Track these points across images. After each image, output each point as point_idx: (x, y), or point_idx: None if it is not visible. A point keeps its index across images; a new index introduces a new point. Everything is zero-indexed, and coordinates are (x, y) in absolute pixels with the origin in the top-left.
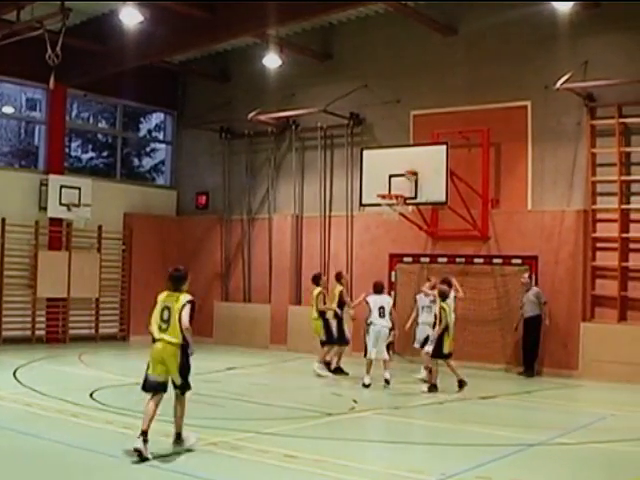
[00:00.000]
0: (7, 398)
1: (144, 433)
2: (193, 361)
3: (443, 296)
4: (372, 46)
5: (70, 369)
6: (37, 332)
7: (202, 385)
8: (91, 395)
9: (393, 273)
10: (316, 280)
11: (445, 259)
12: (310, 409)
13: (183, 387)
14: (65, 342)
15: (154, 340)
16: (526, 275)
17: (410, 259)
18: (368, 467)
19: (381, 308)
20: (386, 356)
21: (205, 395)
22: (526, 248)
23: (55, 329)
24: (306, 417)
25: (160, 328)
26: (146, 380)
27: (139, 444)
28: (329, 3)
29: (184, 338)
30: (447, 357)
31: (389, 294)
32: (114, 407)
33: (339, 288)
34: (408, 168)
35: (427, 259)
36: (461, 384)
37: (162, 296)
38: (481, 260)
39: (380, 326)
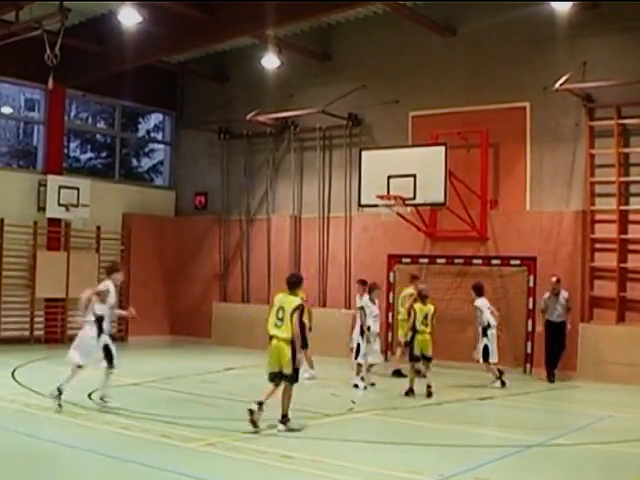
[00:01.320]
0: (5, 398)
1: (260, 403)
2: (193, 362)
3: (422, 297)
4: (371, 47)
5: (69, 369)
6: (35, 332)
7: (200, 385)
8: (89, 396)
9: (392, 274)
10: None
11: (444, 260)
12: (308, 410)
13: (292, 378)
14: (63, 342)
15: (271, 338)
16: (554, 278)
17: (409, 260)
18: (366, 468)
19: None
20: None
21: (203, 395)
22: (525, 249)
23: (54, 329)
24: (304, 418)
25: (275, 325)
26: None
27: (254, 407)
28: (328, 4)
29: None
30: (418, 360)
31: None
32: (113, 408)
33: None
34: (407, 169)
35: (426, 260)
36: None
37: (278, 296)
38: (480, 261)
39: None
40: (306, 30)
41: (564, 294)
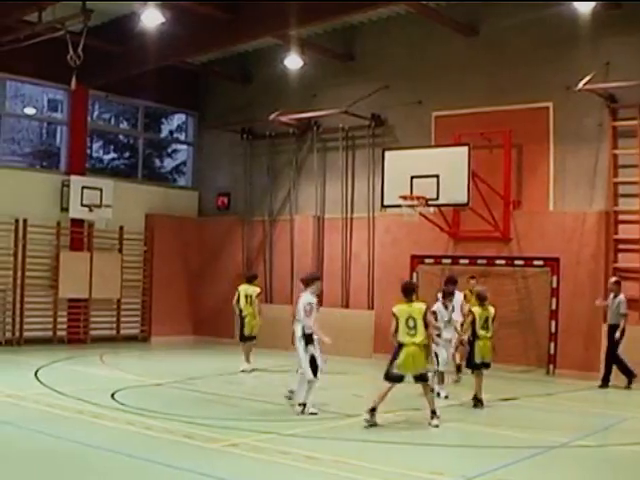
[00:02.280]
0: (28, 399)
1: (373, 409)
2: (216, 362)
3: (481, 299)
4: (393, 47)
5: (91, 370)
6: (58, 333)
7: (223, 386)
8: (112, 396)
9: (414, 274)
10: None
11: (467, 261)
12: (330, 410)
13: (424, 377)
14: (86, 343)
15: (400, 345)
16: (613, 279)
17: (432, 260)
18: (388, 468)
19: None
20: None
21: (226, 396)
22: (548, 250)
23: (76, 330)
24: (326, 418)
25: (408, 334)
26: (389, 373)
27: (367, 416)
28: (351, 4)
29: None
30: (479, 367)
31: None
32: (135, 408)
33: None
34: (430, 169)
35: (449, 260)
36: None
37: (403, 307)
38: (502, 262)
39: None
40: (329, 30)
41: (621, 298)
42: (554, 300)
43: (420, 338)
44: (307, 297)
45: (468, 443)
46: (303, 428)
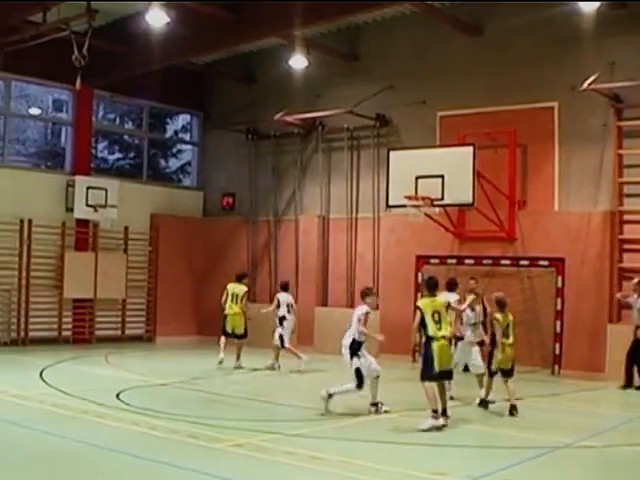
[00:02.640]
0: (33, 399)
1: (444, 411)
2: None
3: (501, 305)
4: (398, 47)
5: (96, 370)
6: (63, 333)
7: (227, 386)
8: (117, 396)
9: (419, 275)
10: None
11: (472, 261)
12: (336, 410)
13: (450, 375)
14: (91, 343)
15: (430, 339)
16: (636, 280)
17: (437, 261)
18: (392, 469)
19: None
20: None
21: (230, 396)
22: (553, 250)
23: (81, 330)
24: (332, 418)
25: (438, 329)
26: (431, 373)
27: (441, 421)
28: (355, 4)
29: None
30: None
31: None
32: (140, 408)
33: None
34: (435, 169)
35: (454, 261)
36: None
37: (427, 301)
38: (508, 262)
39: None
40: (333, 30)
41: None
42: (559, 300)
43: (446, 331)
44: (363, 308)
45: (473, 443)
46: (308, 428)
